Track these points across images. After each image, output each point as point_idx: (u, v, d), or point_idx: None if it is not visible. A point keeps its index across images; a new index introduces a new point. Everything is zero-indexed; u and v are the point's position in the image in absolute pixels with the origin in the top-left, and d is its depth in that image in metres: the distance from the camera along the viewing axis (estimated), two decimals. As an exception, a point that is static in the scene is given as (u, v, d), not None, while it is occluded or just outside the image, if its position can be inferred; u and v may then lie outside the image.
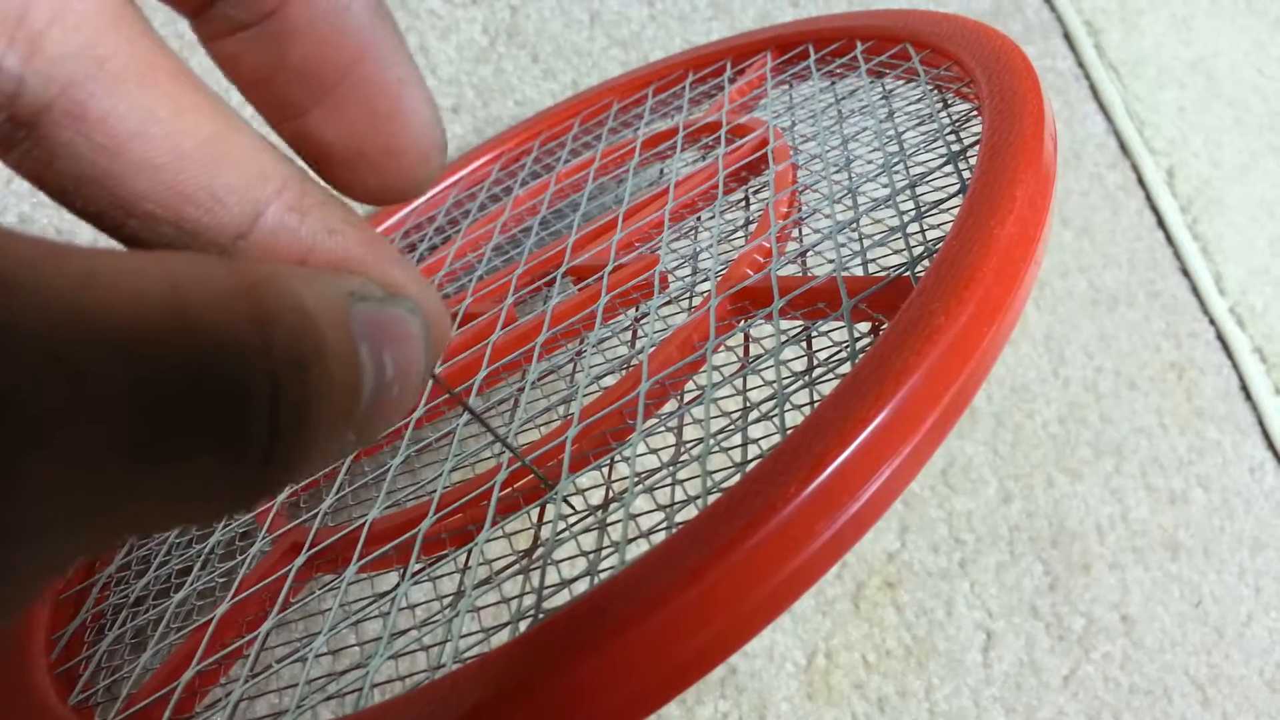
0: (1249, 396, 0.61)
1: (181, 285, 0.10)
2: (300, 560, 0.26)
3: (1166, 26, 0.76)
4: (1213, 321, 0.63)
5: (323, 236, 0.14)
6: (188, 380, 0.10)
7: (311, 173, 0.15)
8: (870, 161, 0.31)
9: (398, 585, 0.24)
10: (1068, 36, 0.73)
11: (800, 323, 0.27)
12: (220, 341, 0.11)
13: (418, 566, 0.24)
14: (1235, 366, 0.62)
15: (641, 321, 0.32)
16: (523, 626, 0.19)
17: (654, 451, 0.27)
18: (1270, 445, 0.59)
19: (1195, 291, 0.64)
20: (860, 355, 0.22)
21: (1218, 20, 0.77)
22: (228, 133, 0.13)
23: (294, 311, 0.12)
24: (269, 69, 0.14)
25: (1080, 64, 0.72)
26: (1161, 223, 0.66)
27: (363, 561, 0.25)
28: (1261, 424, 0.60)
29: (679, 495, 0.23)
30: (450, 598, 0.23)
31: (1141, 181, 0.68)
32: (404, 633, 0.23)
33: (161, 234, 0.13)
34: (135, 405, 0.10)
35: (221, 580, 0.28)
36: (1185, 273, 0.65)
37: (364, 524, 0.26)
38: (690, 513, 0.20)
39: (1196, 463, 0.57)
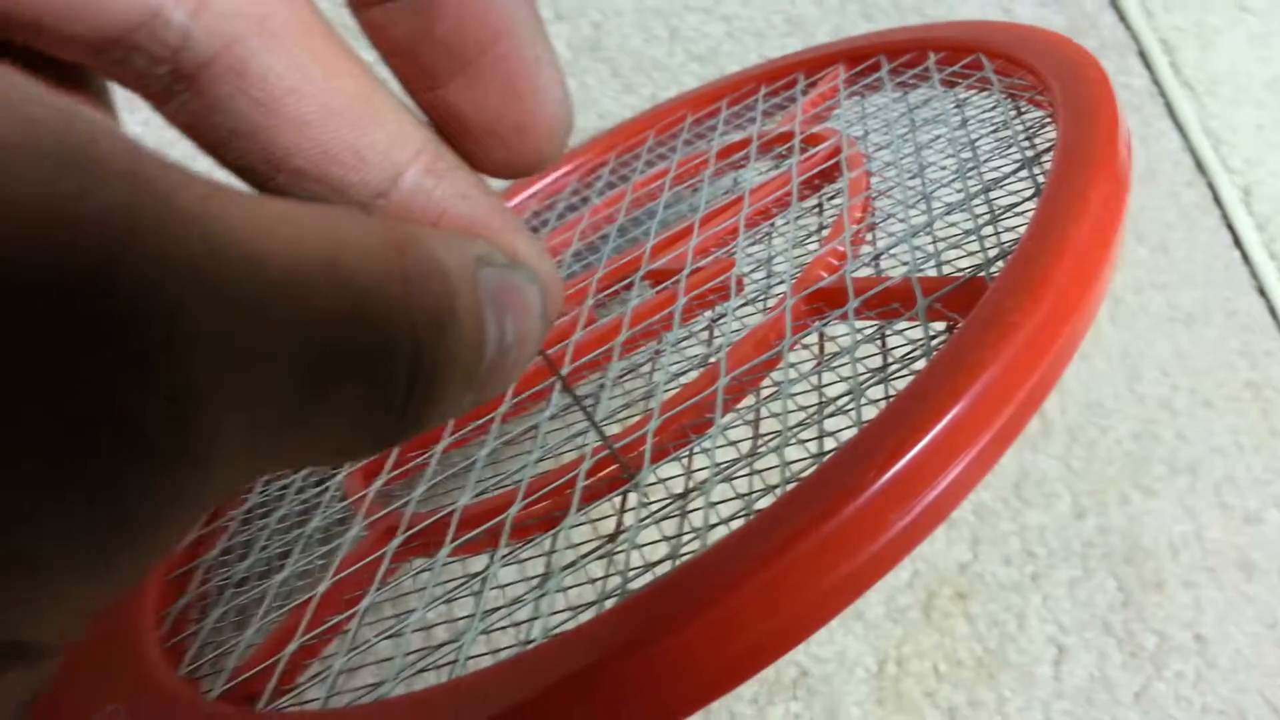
0: (1328, 418, 0.60)
1: (337, 239, 0.11)
2: (397, 542, 0.27)
3: (1244, 44, 0.75)
4: (1290, 341, 0.62)
5: (455, 200, 0.14)
6: (342, 331, 0.11)
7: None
8: (944, 168, 0.31)
9: (488, 566, 0.25)
10: (1143, 54, 0.72)
11: (875, 322, 0.27)
12: (371, 297, 0.11)
13: (506, 550, 0.26)
14: (1313, 387, 0.61)
15: (718, 322, 0.33)
16: (608, 605, 0.20)
17: (733, 444, 0.27)
18: (1349, 467, 0.58)
19: (1271, 311, 0.63)
20: (935, 352, 0.22)
21: (1297, 38, 0.76)
22: (372, 94, 0.14)
23: (437, 273, 0.12)
24: (414, 39, 0.14)
25: (1155, 81, 0.72)
26: (1238, 241, 0.65)
27: (454, 544, 0.26)
28: (1340, 446, 0.59)
29: (757, 485, 0.24)
30: (538, 579, 0.24)
31: (1217, 199, 0.67)
32: (495, 610, 0.24)
33: (306, 189, 0.14)
34: (295, 352, 0.10)
35: (320, 563, 0.29)
36: (1261, 292, 0.64)
37: (455, 510, 0.27)
38: (769, 501, 0.20)
39: (1273, 483, 0.56)
